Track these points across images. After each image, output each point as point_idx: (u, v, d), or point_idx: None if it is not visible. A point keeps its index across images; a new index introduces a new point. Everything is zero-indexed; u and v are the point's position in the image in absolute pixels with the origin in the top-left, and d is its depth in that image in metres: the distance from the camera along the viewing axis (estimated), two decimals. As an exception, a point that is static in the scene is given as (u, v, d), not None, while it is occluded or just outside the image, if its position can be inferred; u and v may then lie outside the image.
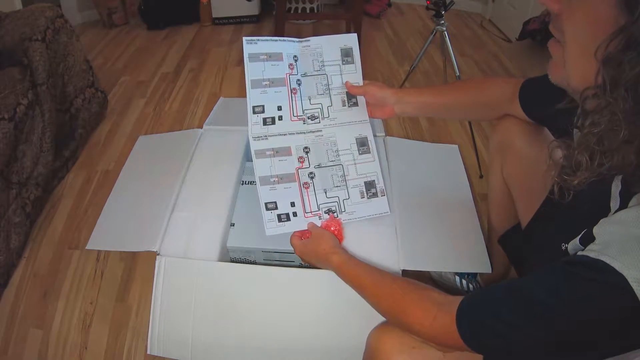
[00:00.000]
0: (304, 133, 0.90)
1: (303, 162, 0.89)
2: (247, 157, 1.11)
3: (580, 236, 0.53)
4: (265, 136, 0.88)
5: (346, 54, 0.91)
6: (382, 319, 0.70)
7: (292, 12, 2.75)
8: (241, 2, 2.72)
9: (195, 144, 1.10)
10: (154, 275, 0.84)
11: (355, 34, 0.92)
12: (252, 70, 0.88)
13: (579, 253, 0.47)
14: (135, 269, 1.24)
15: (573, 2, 0.47)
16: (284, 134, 0.89)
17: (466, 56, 2.40)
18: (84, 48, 1.67)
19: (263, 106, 0.88)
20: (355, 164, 0.91)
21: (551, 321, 0.46)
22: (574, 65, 0.48)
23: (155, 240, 0.88)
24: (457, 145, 1.17)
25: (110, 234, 0.95)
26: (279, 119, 0.89)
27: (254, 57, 0.88)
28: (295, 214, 0.87)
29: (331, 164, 0.90)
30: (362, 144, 0.92)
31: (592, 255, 0.45)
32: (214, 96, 2.02)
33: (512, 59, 2.38)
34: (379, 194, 0.91)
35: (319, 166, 0.89)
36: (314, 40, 0.90)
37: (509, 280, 0.55)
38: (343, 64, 0.91)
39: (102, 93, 1.79)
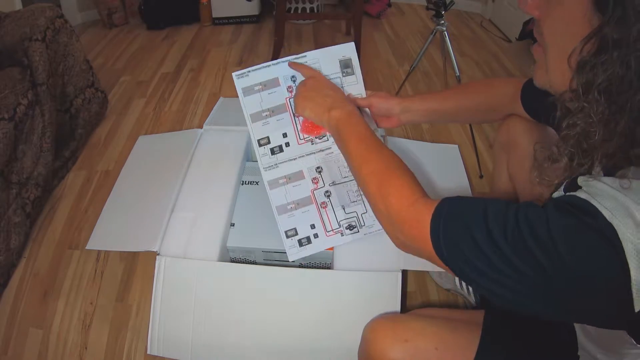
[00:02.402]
0: (314, 153, 0.87)
1: (317, 182, 0.87)
2: (247, 157, 1.11)
3: (563, 186, 0.52)
4: (276, 164, 0.86)
5: (345, 65, 0.88)
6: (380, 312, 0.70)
7: (292, 12, 2.75)
8: (241, 2, 2.72)
9: (195, 144, 1.10)
10: (154, 275, 0.84)
11: (353, 43, 0.88)
12: (248, 105, 0.85)
13: (569, 193, 0.45)
14: (135, 269, 1.23)
15: (551, 6, 0.47)
16: (294, 158, 0.86)
17: (466, 56, 2.40)
18: (84, 48, 1.67)
19: (268, 137, 0.86)
20: None
21: (537, 253, 0.43)
22: (555, 69, 0.49)
23: (155, 240, 0.88)
24: (457, 145, 1.17)
25: (110, 234, 0.95)
26: (286, 146, 0.86)
27: (248, 91, 0.84)
28: (316, 236, 0.86)
29: (344, 180, 0.87)
30: None
31: (582, 195, 0.43)
32: (214, 96, 2.02)
33: (512, 59, 2.37)
34: None
35: (333, 183, 0.87)
36: (311, 55, 0.86)
37: (500, 201, 0.49)
38: (343, 76, 0.88)
39: (102, 93, 1.79)
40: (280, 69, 0.84)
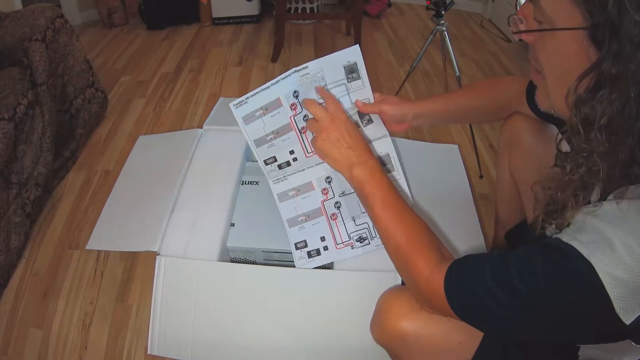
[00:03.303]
0: (323, 163, 0.83)
1: (327, 193, 0.85)
2: (247, 157, 1.11)
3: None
4: (284, 177, 0.84)
5: (350, 70, 0.81)
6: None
7: (292, 12, 2.75)
8: (241, 2, 2.72)
9: (195, 144, 1.10)
10: (154, 275, 0.84)
11: (357, 46, 0.81)
12: (251, 131, 0.80)
13: (555, 236, 0.48)
14: (135, 269, 1.24)
15: (544, 36, 0.48)
16: (303, 169, 0.84)
17: (466, 56, 2.40)
18: (83, 48, 1.67)
19: (274, 157, 0.83)
20: None
21: (528, 299, 0.47)
22: (556, 96, 0.50)
23: (155, 240, 0.88)
24: (457, 145, 1.17)
25: (110, 234, 0.95)
26: (294, 160, 0.83)
27: (249, 118, 0.79)
28: (326, 248, 0.85)
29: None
30: (384, 163, 0.87)
31: (564, 238, 0.46)
32: (214, 96, 2.02)
33: (512, 59, 2.38)
34: None
35: (343, 194, 0.85)
36: (313, 65, 0.78)
37: (495, 254, 0.54)
38: (349, 81, 0.81)
39: (102, 93, 1.79)
40: (280, 88, 0.77)
